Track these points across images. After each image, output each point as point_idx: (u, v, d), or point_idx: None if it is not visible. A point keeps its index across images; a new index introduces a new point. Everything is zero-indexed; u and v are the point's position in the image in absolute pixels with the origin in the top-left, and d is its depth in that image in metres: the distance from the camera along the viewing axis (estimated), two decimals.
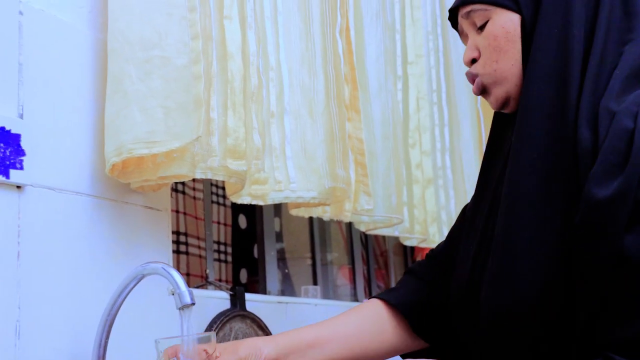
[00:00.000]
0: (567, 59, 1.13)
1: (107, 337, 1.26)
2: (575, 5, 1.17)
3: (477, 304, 1.16)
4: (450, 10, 1.30)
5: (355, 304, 2.32)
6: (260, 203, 1.69)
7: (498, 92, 1.21)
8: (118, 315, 1.31)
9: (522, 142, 1.14)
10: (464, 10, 1.25)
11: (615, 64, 1.13)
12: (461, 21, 1.27)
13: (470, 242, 1.25)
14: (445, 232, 2.52)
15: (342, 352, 1.33)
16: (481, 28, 1.23)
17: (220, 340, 1.65)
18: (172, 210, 1.78)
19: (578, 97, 1.10)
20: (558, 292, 1.05)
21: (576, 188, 1.05)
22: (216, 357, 1.20)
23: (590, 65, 1.12)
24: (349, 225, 2.74)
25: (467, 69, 1.28)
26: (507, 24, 1.20)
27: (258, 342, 1.27)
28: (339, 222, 2.75)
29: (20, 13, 1.27)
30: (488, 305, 1.14)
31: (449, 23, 1.37)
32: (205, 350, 1.19)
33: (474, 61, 1.24)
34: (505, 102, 1.22)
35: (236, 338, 1.72)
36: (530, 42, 1.18)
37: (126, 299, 1.28)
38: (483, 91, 1.24)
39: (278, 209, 2.45)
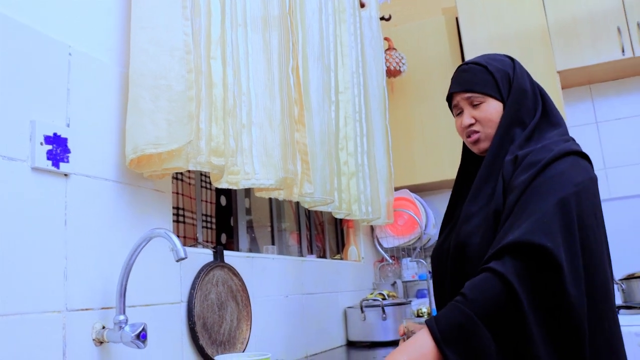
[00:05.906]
0: (514, 130, 1.36)
1: (127, 279, 1.26)
2: (525, 102, 1.39)
3: (447, 251, 1.36)
4: (450, 94, 1.47)
5: (301, 259, 2.32)
6: (235, 187, 1.69)
7: (487, 144, 1.42)
8: (134, 264, 1.33)
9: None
10: (465, 95, 1.42)
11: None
12: (459, 99, 1.44)
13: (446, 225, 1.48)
14: (364, 210, 2.58)
15: None
16: (476, 105, 1.41)
17: (205, 282, 1.65)
18: (173, 192, 1.78)
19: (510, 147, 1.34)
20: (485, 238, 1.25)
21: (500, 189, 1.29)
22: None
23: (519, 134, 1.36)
24: (297, 203, 2.76)
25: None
26: (496, 107, 1.40)
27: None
28: (290, 201, 2.75)
29: (70, 54, 1.27)
30: (453, 245, 1.33)
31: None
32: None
33: (471, 124, 1.43)
34: (485, 149, 1.43)
35: (217, 282, 1.70)
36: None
37: (140, 253, 1.29)
38: (477, 141, 1.43)
39: (248, 191, 2.43)
